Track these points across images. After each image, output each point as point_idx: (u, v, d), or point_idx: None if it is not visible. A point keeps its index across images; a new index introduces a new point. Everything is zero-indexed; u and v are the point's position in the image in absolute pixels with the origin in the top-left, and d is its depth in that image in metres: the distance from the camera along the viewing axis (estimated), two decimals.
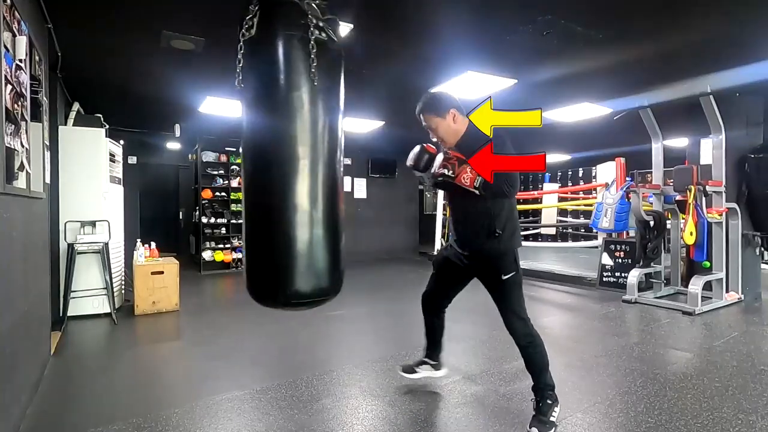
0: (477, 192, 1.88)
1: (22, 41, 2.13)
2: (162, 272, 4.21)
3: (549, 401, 2.01)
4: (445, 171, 1.90)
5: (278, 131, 1.42)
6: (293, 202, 1.42)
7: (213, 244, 7.03)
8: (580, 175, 10.26)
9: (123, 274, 4.71)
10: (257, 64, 1.44)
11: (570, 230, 9.96)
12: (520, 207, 9.31)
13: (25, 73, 2.25)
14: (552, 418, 1.98)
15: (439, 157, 2.00)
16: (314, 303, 1.49)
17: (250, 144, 1.49)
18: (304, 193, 1.43)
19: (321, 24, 1.43)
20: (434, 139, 2.08)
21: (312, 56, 1.39)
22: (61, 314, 3.74)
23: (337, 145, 1.53)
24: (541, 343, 2.06)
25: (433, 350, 2.49)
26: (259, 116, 1.45)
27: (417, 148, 2.13)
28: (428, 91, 2.15)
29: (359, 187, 8.65)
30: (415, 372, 2.51)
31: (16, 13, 2.06)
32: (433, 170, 2.00)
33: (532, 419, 1.99)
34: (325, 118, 1.48)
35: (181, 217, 8.39)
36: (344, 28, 3.01)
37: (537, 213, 9.83)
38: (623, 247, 5.46)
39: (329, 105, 1.49)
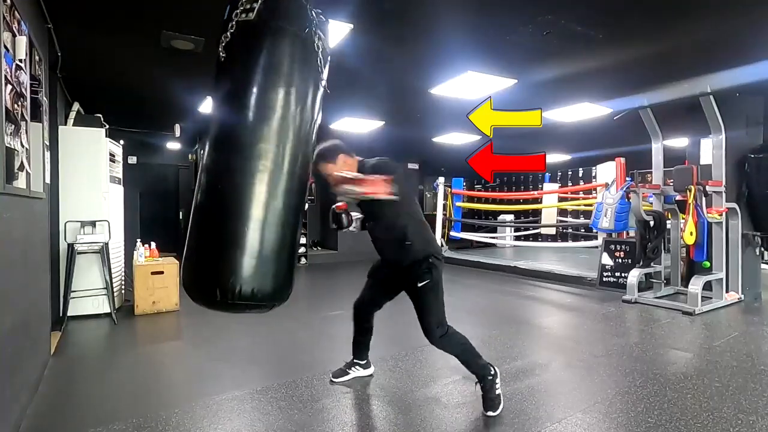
0: (396, 198, 1.97)
1: (22, 41, 2.13)
2: (162, 272, 4.21)
3: (489, 377, 2.17)
4: (355, 189, 1.96)
5: (250, 123, 1.38)
6: (251, 197, 1.35)
7: None
8: (580, 175, 10.27)
9: (123, 274, 4.71)
10: (246, 52, 1.40)
11: (570, 230, 9.96)
12: (519, 207, 9.36)
13: (25, 73, 2.25)
14: (497, 392, 2.17)
15: (345, 186, 2.02)
16: (255, 307, 1.38)
17: (216, 132, 1.44)
18: (262, 191, 1.36)
19: (321, 25, 1.43)
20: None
21: (319, 56, 1.38)
22: (61, 314, 3.74)
23: (308, 145, 1.51)
24: (460, 338, 2.20)
25: (361, 352, 2.62)
26: (234, 103, 1.42)
27: (330, 215, 2.30)
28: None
29: None
30: (348, 374, 2.60)
31: (16, 13, 2.06)
32: (345, 190, 1.99)
33: (483, 403, 2.17)
34: (301, 118, 1.44)
35: (181, 217, 8.38)
36: (344, 28, 3.02)
37: (537, 213, 9.83)
38: (623, 247, 5.46)
39: (307, 106, 1.46)
